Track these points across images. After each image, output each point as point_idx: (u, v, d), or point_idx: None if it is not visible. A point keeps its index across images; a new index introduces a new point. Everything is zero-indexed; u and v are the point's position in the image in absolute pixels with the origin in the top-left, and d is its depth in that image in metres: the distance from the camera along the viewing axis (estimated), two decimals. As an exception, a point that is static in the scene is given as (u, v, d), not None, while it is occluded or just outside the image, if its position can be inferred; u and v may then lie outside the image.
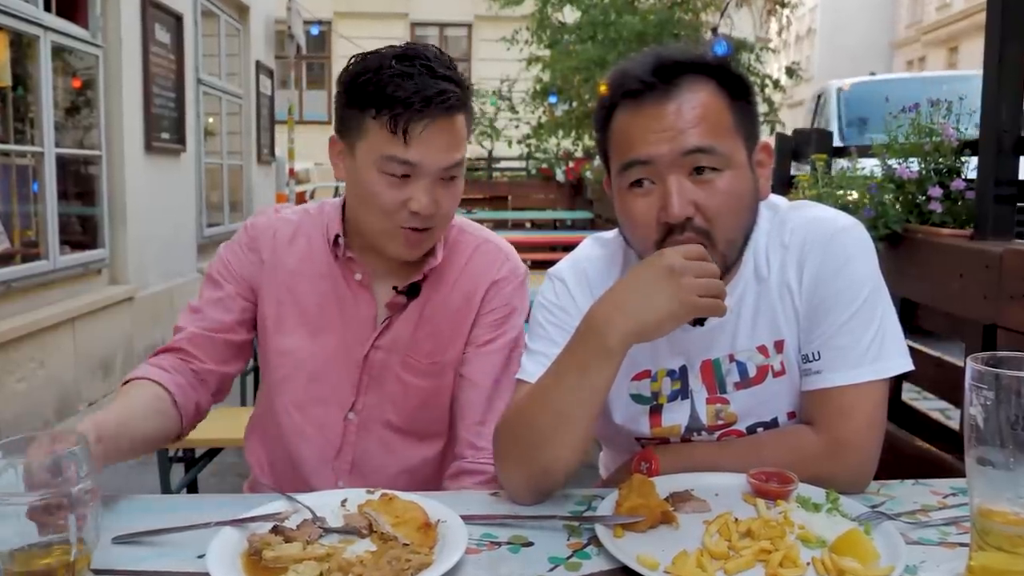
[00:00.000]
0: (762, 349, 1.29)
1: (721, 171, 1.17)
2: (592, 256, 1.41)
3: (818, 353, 1.25)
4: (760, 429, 1.33)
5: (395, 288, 1.46)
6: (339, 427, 1.48)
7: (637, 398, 1.35)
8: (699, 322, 1.27)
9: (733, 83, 1.21)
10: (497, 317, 1.48)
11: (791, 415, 1.32)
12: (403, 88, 1.29)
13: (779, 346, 1.29)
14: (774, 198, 1.34)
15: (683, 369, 1.33)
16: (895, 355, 1.25)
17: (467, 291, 1.48)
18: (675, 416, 1.34)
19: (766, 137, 1.41)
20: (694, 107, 1.17)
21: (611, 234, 1.42)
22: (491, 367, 1.47)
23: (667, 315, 1.09)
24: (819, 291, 1.26)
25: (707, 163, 1.16)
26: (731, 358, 1.31)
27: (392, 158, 1.32)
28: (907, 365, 1.26)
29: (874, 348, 1.24)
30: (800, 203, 1.35)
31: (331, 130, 1.43)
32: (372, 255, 1.45)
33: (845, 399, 1.23)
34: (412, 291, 1.46)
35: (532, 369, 1.29)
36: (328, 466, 1.49)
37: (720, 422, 1.33)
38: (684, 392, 1.33)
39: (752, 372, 1.30)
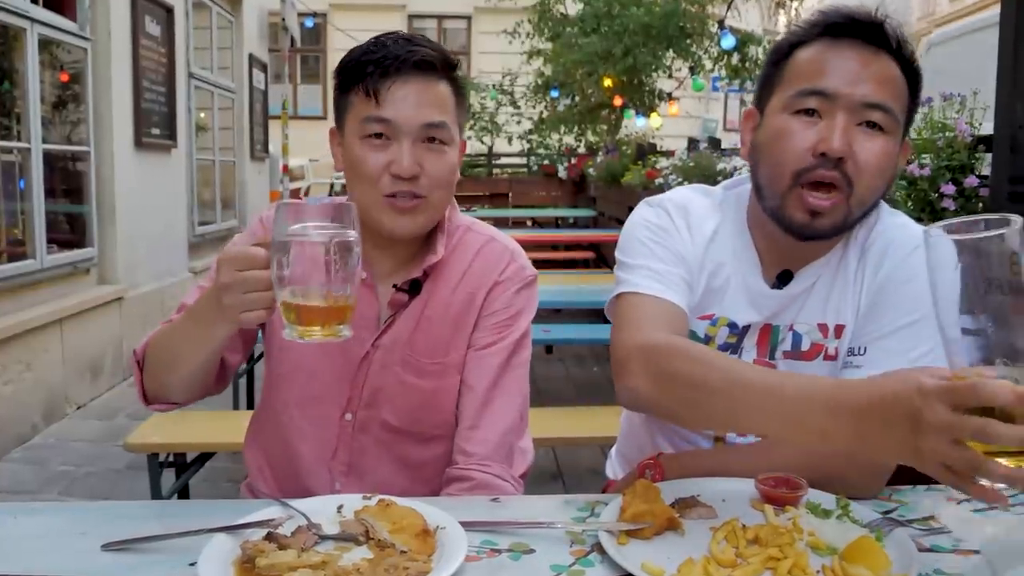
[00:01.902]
0: (822, 327, 1.34)
1: (885, 133, 1.23)
2: (695, 198, 1.44)
3: (864, 349, 1.29)
4: None
5: (395, 286, 1.46)
6: (335, 427, 1.48)
7: (691, 335, 1.38)
8: (781, 283, 1.34)
9: (914, 78, 1.28)
10: (499, 320, 1.48)
11: None
12: (376, 55, 1.36)
13: (839, 331, 1.33)
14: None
15: (745, 328, 1.37)
16: None
17: (470, 291, 1.48)
18: None
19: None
20: (886, 69, 1.24)
21: (713, 187, 1.47)
22: (488, 371, 1.46)
23: (893, 458, 1.00)
24: (884, 292, 1.30)
25: (878, 120, 1.23)
26: (790, 327, 1.35)
27: (368, 118, 1.36)
28: None
29: (922, 363, 1.25)
30: (896, 211, 1.40)
31: (326, 125, 1.46)
32: (378, 254, 1.45)
33: None
34: (414, 289, 1.46)
35: (640, 281, 1.33)
36: (324, 467, 1.49)
37: None
38: (735, 349, 1.37)
39: (805, 346, 1.35)
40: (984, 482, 0.84)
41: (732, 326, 1.38)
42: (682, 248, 1.37)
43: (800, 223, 1.25)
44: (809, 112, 1.24)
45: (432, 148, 1.38)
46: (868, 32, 1.24)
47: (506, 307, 1.48)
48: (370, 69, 1.35)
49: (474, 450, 1.43)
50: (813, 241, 1.29)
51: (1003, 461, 0.81)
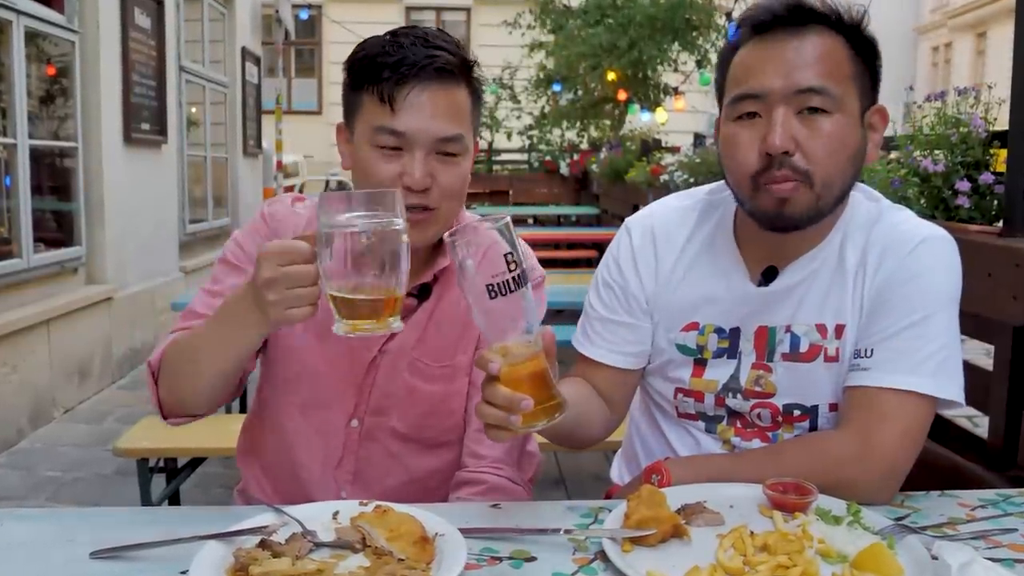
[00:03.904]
0: (821, 328, 1.34)
1: (830, 113, 1.24)
2: (668, 208, 1.49)
3: (871, 351, 1.29)
4: (797, 412, 1.35)
5: None
6: (341, 434, 1.49)
7: (682, 348, 1.42)
8: (765, 281, 1.35)
9: (861, 42, 1.29)
10: None
11: (833, 407, 1.34)
12: (392, 56, 1.33)
13: (839, 331, 1.34)
14: (879, 195, 1.41)
15: (735, 331, 1.39)
16: (952, 382, 1.27)
17: None
18: (717, 372, 1.40)
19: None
20: (815, 48, 1.25)
21: (700, 188, 1.51)
22: None
23: None
24: (888, 290, 1.31)
25: (818, 103, 1.23)
26: (787, 328, 1.36)
27: (381, 128, 1.34)
28: (960, 397, 1.28)
29: (932, 363, 1.26)
30: (901, 207, 1.40)
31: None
32: None
33: (888, 404, 1.25)
34: (423, 293, 1.46)
35: (579, 336, 1.50)
36: (330, 475, 1.50)
37: (757, 389, 1.37)
38: (733, 353, 1.39)
39: (803, 348, 1.35)
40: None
41: (719, 331, 1.39)
42: (635, 287, 1.45)
43: (772, 213, 1.27)
44: (750, 115, 1.27)
45: (445, 160, 1.37)
46: (791, 17, 1.26)
47: None
48: (386, 74, 1.32)
49: (486, 453, 1.44)
50: (794, 232, 1.30)
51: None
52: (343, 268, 1.06)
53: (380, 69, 1.33)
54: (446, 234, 1.07)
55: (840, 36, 1.27)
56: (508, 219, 1.06)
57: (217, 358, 1.29)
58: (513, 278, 1.05)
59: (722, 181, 1.44)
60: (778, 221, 1.27)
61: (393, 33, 1.38)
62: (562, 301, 4.92)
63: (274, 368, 1.51)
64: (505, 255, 1.05)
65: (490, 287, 1.04)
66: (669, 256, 1.43)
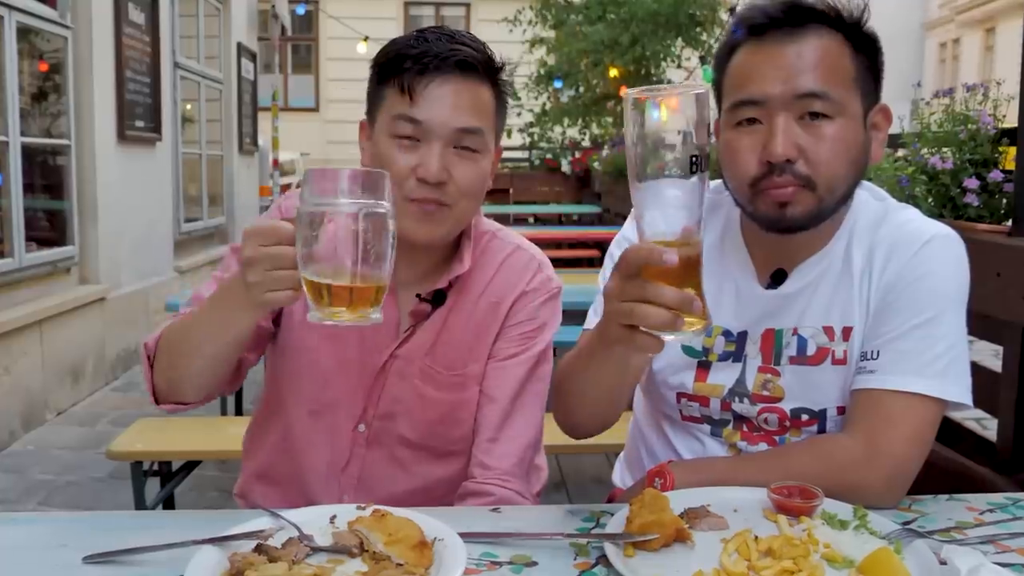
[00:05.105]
0: (828, 330, 1.34)
1: (832, 118, 1.24)
2: None
3: (877, 352, 1.29)
4: (805, 416, 1.36)
5: (418, 296, 1.46)
6: (348, 438, 1.49)
7: (688, 350, 1.42)
8: (775, 283, 1.35)
9: (861, 39, 1.28)
10: (523, 331, 1.48)
11: (841, 411, 1.34)
12: (415, 49, 1.34)
13: (846, 333, 1.34)
14: (885, 194, 1.40)
15: (742, 334, 1.39)
16: (960, 384, 1.28)
17: (494, 301, 1.48)
18: (722, 376, 1.40)
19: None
20: (815, 50, 1.24)
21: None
22: (511, 382, 1.47)
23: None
24: (894, 291, 1.30)
25: (820, 108, 1.23)
26: (794, 331, 1.36)
27: (399, 116, 1.34)
28: (968, 399, 1.28)
29: (939, 364, 1.26)
30: (907, 205, 1.40)
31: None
32: (401, 259, 1.44)
33: (894, 406, 1.25)
34: (437, 299, 1.46)
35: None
36: (335, 479, 1.50)
37: (765, 393, 1.37)
38: (738, 356, 1.39)
39: (811, 350, 1.35)
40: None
41: (727, 334, 1.40)
42: None
43: (773, 217, 1.27)
44: (750, 121, 1.26)
45: (463, 155, 1.36)
46: (788, 18, 1.25)
47: (531, 318, 1.49)
48: (408, 65, 1.34)
49: (494, 464, 1.43)
50: (796, 233, 1.30)
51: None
52: (321, 251, 1.01)
53: (403, 61, 1.34)
54: (636, 90, 0.96)
55: (839, 34, 1.26)
56: (709, 87, 0.96)
57: (209, 342, 1.29)
58: (707, 155, 0.95)
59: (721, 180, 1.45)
60: (780, 222, 1.28)
61: (421, 30, 1.39)
62: (564, 301, 4.92)
63: (282, 368, 1.51)
64: (709, 125, 0.95)
65: (694, 158, 0.92)
66: None
